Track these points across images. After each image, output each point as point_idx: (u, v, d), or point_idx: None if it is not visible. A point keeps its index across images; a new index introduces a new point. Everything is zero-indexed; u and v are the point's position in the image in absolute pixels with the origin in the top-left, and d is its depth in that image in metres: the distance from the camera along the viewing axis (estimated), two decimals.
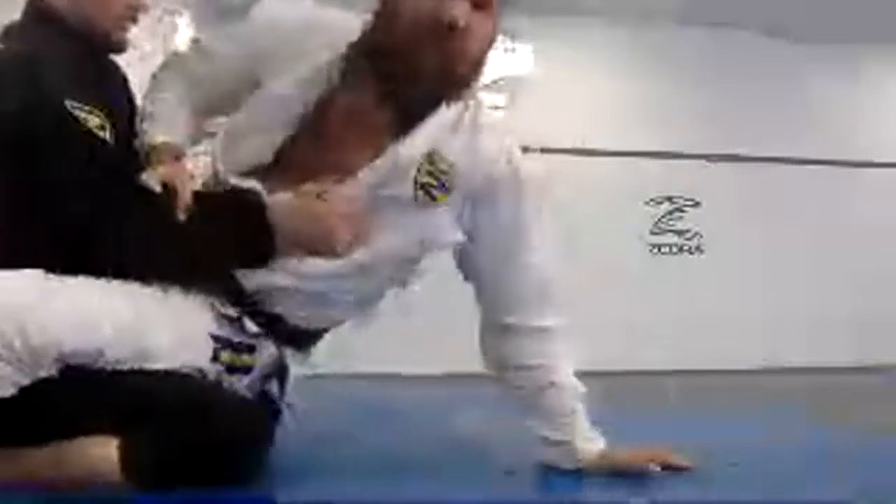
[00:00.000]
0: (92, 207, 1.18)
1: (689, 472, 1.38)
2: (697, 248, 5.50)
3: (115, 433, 1.18)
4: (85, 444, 1.18)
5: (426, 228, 1.31)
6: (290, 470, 1.35)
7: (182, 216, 1.19)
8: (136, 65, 1.51)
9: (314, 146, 1.27)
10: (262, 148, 1.29)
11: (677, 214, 5.49)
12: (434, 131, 1.27)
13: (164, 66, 1.43)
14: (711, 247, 5.47)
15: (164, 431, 1.18)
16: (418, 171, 1.26)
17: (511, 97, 4.74)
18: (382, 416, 2.42)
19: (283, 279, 1.28)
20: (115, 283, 1.20)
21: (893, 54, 5.79)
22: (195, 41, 1.46)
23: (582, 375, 1.45)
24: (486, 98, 4.76)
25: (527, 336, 1.40)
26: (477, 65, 1.24)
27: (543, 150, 5.29)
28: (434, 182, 1.26)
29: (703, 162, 5.47)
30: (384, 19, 1.19)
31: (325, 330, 1.44)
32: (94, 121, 1.21)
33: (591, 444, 1.40)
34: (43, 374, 1.13)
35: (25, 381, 1.12)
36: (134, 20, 1.41)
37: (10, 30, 1.37)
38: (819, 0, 4.90)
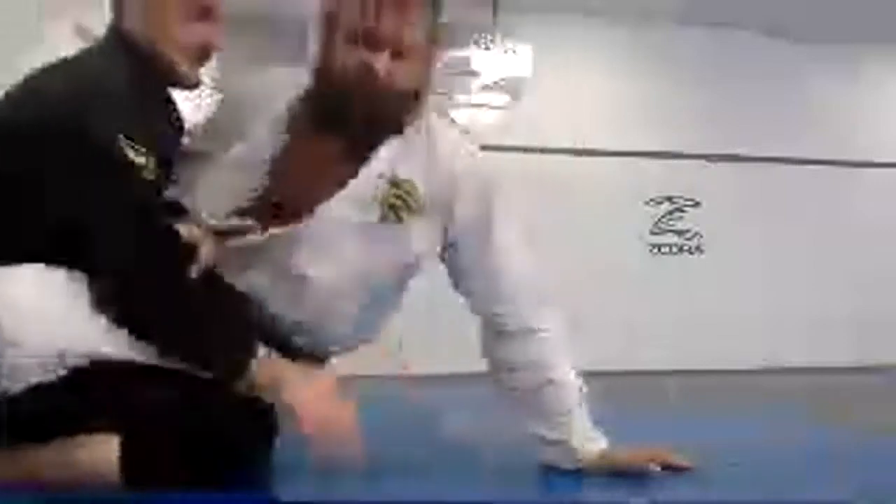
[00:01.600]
0: (125, 244, 1.20)
1: (690, 472, 1.38)
2: (697, 248, 5.50)
3: (116, 432, 1.18)
4: (85, 444, 1.18)
5: (400, 249, 1.38)
6: (291, 470, 1.35)
7: (193, 273, 1.24)
8: None
9: (285, 187, 1.36)
10: (238, 192, 1.36)
11: (677, 214, 5.49)
12: (390, 154, 1.37)
13: None
14: (711, 247, 5.47)
15: (163, 432, 1.18)
16: (383, 194, 1.35)
17: (511, 97, 4.75)
18: (382, 416, 2.42)
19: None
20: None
21: (893, 54, 5.80)
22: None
23: (582, 375, 1.45)
24: (487, 98, 4.80)
25: (519, 337, 1.41)
26: (414, 98, 1.36)
27: (543, 151, 5.33)
28: (400, 203, 1.36)
29: (703, 162, 5.47)
30: (319, 75, 1.36)
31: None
32: (140, 160, 1.22)
33: (591, 443, 1.40)
34: (62, 372, 1.14)
35: (50, 378, 1.14)
36: (208, 58, 1.41)
37: (90, 51, 1.37)
38: (819, 0, 4.90)
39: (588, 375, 1.45)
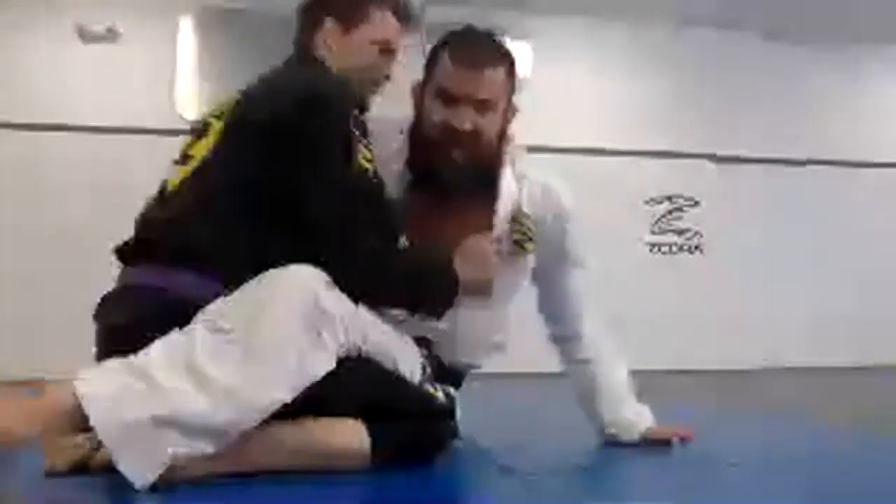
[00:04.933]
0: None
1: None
2: (697, 247, 5.50)
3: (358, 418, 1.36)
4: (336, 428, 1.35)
5: (521, 274, 1.69)
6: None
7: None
8: None
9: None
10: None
11: (677, 214, 5.49)
12: (511, 196, 1.60)
13: None
14: (711, 247, 5.47)
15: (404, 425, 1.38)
16: (511, 231, 1.60)
17: None
18: None
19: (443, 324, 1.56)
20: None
21: (893, 54, 5.80)
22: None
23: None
24: None
25: (574, 342, 1.83)
26: (500, 142, 1.58)
27: (542, 150, 5.32)
28: (524, 237, 1.61)
29: (703, 162, 5.47)
30: (415, 133, 1.57)
31: (461, 374, 1.72)
32: (365, 154, 1.40)
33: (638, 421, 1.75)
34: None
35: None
36: (381, 86, 1.59)
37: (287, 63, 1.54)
38: (819, 0, 4.90)
39: None
